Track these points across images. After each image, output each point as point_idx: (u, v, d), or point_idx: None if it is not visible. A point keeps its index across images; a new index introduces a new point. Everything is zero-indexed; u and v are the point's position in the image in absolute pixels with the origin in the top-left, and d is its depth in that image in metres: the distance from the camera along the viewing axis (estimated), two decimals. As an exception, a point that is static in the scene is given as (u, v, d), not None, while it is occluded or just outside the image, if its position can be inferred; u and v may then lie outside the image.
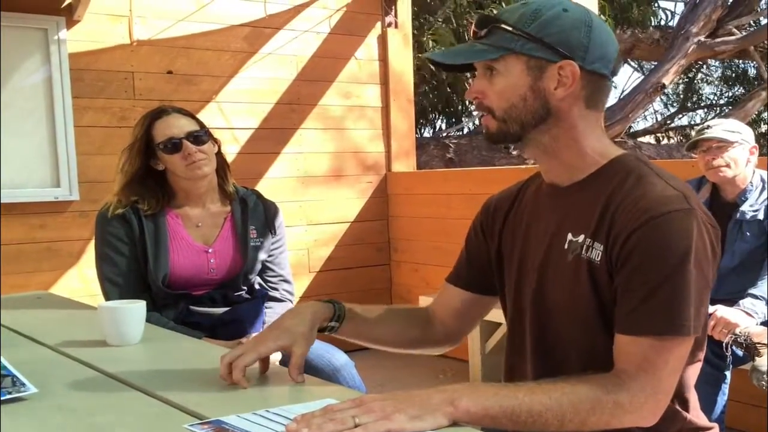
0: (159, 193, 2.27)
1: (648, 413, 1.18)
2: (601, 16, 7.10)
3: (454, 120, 9.88)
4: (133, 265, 2.22)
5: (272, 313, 2.31)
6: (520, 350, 1.40)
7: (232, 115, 4.56)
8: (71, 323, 2.03)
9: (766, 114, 10.72)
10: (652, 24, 9.85)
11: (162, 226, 2.23)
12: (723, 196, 2.86)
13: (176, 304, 2.22)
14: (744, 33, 8.21)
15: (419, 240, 4.92)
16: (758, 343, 2.51)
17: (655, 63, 8.56)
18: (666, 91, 9.30)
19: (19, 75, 3.95)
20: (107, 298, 2.16)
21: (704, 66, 11.40)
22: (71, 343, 1.70)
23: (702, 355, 1.32)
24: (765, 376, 2.47)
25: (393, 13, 5.10)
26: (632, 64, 11.03)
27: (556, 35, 1.25)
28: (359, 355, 2.29)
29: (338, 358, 2.18)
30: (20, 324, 1.93)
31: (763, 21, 8.76)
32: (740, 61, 11.03)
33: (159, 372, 1.49)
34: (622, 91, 10.69)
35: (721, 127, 2.82)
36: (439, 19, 8.11)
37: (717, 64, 11.39)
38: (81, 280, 4.06)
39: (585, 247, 1.26)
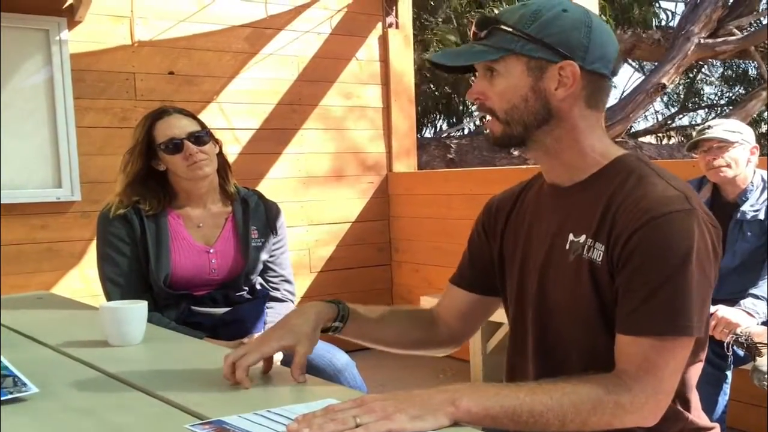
0: (160, 193, 2.27)
1: (649, 413, 1.18)
2: (602, 16, 7.10)
3: (455, 120, 9.89)
4: (135, 265, 2.23)
5: (273, 313, 2.32)
6: (521, 350, 1.40)
7: (233, 116, 4.56)
8: (72, 323, 2.03)
9: (766, 114, 10.71)
10: (654, 24, 9.84)
11: (163, 226, 2.24)
12: (724, 196, 2.86)
13: (177, 305, 2.23)
14: (744, 33, 8.21)
15: (420, 240, 4.92)
16: (759, 343, 2.51)
17: (656, 63, 8.55)
18: (667, 91, 9.29)
19: (20, 76, 3.96)
20: (109, 298, 2.16)
21: (705, 66, 11.39)
22: (72, 343, 1.70)
23: (704, 356, 1.32)
24: (766, 375, 2.47)
25: (394, 13, 5.10)
26: (633, 64, 11.02)
27: (556, 36, 1.25)
28: (360, 355, 2.29)
29: (339, 358, 2.18)
30: (21, 324, 1.93)
31: (764, 21, 8.76)
32: (741, 61, 11.02)
33: (160, 372, 1.49)
34: (623, 92, 10.70)
35: (721, 128, 2.82)
36: (440, 19, 8.11)
37: (718, 64, 11.38)
38: (82, 280, 4.07)
39: (586, 247, 1.26)
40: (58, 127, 4.02)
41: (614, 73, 1.31)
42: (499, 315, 1.55)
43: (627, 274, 1.20)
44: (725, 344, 2.56)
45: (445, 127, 10.05)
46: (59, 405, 1.25)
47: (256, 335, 2.23)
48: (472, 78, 1.34)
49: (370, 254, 5.05)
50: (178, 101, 4.01)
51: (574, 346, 1.30)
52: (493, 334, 4.09)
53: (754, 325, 2.57)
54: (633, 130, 10.15)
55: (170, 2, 4.36)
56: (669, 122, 12.32)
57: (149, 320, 1.76)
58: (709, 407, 2.46)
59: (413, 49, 5.43)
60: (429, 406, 1.09)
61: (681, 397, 1.28)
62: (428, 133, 10.01)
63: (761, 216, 2.77)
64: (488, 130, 1.33)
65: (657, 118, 12.44)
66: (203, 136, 2.25)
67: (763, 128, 11.03)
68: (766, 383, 2.47)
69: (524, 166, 5.56)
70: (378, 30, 5.07)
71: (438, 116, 10.09)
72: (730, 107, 10.61)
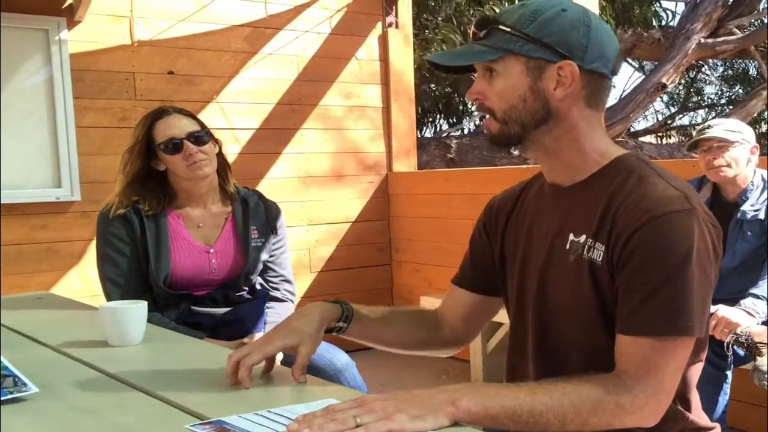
0: (160, 193, 2.27)
1: (649, 414, 1.18)
2: (602, 16, 7.10)
3: (455, 120, 9.89)
4: (135, 265, 2.23)
5: (274, 313, 2.32)
6: (522, 350, 1.40)
7: (233, 116, 4.56)
8: (72, 323, 2.03)
9: (767, 113, 10.71)
10: (654, 24, 9.84)
11: (163, 226, 2.24)
12: (724, 196, 2.86)
13: (177, 305, 2.23)
14: (745, 33, 8.21)
15: (420, 240, 4.92)
16: (759, 343, 2.51)
17: (656, 63, 8.55)
18: (667, 90, 9.29)
19: (20, 76, 3.95)
20: (108, 298, 2.16)
21: (705, 66, 11.39)
22: (72, 343, 1.70)
23: (704, 355, 1.32)
24: (766, 375, 2.47)
25: (393, 13, 5.10)
26: (633, 63, 11.02)
27: (554, 35, 1.25)
28: (361, 355, 2.29)
29: (340, 358, 2.18)
30: (21, 324, 1.93)
31: (764, 20, 8.76)
32: (741, 61, 11.02)
33: (160, 372, 1.49)
34: (623, 91, 10.69)
35: (721, 127, 2.82)
36: (440, 18, 8.11)
37: (718, 63, 11.39)
38: (82, 280, 4.07)
39: (586, 247, 1.26)
40: (58, 127, 4.02)
41: (614, 72, 1.32)
42: (500, 315, 1.55)
43: (627, 274, 1.20)
44: (725, 344, 2.56)
45: (445, 126, 10.06)
46: (59, 405, 1.25)
47: (257, 335, 2.23)
48: (473, 76, 1.34)
49: (370, 254, 5.05)
50: (177, 101, 4.01)
51: (574, 346, 1.30)
52: (494, 334, 4.09)
53: (755, 325, 2.57)
54: (633, 129, 10.15)
55: (170, 2, 4.36)
56: (669, 122, 12.33)
57: (149, 320, 1.76)
58: (709, 407, 2.46)
59: (413, 49, 5.43)
60: (429, 406, 1.09)
61: (681, 397, 1.28)
62: (428, 133, 10.02)
63: (761, 216, 2.77)
64: (486, 129, 1.34)
65: (657, 118, 12.45)
66: (203, 136, 2.25)
67: (764, 128, 11.03)
68: (766, 383, 2.47)
69: (524, 166, 5.56)
70: (378, 29, 5.07)
71: (438, 116, 10.09)
72: (731, 107, 10.62)
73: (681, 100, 12.33)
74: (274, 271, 2.40)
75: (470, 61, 1.32)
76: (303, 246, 4.78)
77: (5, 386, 1.24)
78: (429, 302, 4.23)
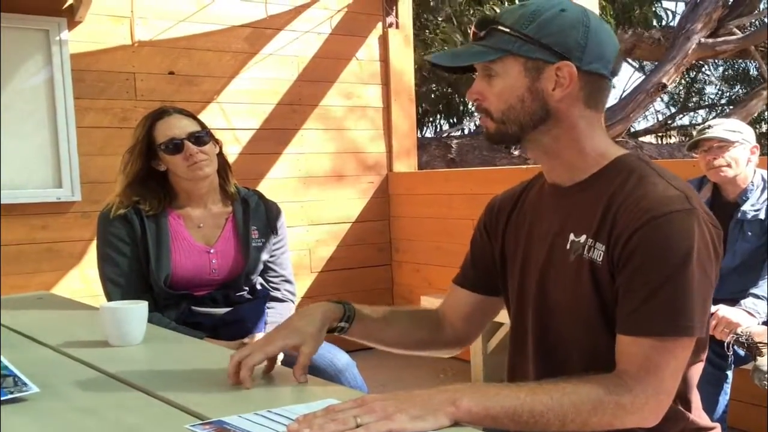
0: (160, 193, 2.27)
1: (650, 414, 1.17)
2: (603, 16, 7.10)
3: (455, 120, 9.89)
4: (135, 265, 2.23)
5: (274, 313, 2.32)
6: (522, 350, 1.40)
7: (234, 116, 4.56)
8: (73, 324, 2.03)
9: (767, 113, 10.71)
10: (655, 24, 9.84)
11: (164, 226, 2.24)
12: (724, 196, 2.86)
13: (178, 305, 2.23)
14: (745, 33, 8.21)
15: (421, 240, 4.92)
16: (760, 343, 2.51)
17: (656, 63, 8.55)
18: (667, 90, 9.29)
19: (20, 76, 3.96)
20: (109, 298, 2.16)
21: (705, 66, 11.39)
22: (73, 343, 1.70)
23: (704, 356, 1.32)
24: (766, 375, 2.47)
25: (394, 13, 5.10)
26: (633, 63, 11.02)
27: (553, 36, 1.25)
28: (361, 355, 2.29)
29: (340, 358, 2.18)
30: (21, 324, 1.93)
31: (765, 20, 8.76)
32: (741, 61, 11.02)
33: (160, 372, 1.49)
34: (623, 91, 10.69)
35: (722, 127, 2.82)
36: (440, 18, 8.11)
37: (718, 63, 11.38)
38: (82, 280, 4.07)
39: (587, 247, 1.26)
40: (59, 128, 4.02)
41: (614, 73, 1.32)
42: (500, 315, 1.55)
43: (627, 274, 1.20)
44: (726, 344, 2.56)
45: (445, 126, 10.06)
46: (60, 405, 1.25)
47: (257, 335, 2.23)
48: (474, 76, 1.34)
49: (370, 254, 5.05)
50: (178, 101, 4.01)
51: (574, 346, 1.30)
52: (494, 334, 4.09)
53: (755, 325, 2.57)
54: (633, 129, 10.15)
55: (170, 2, 4.36)
56: (669, 122, 12.32)
57: (149, 320, 1.76)
58: (709, 407, 2.46)
59: (414, 49, 5.43)
60: (429, 406, 1.09)
61: (682, 397, 1.28)
62: (429, 133, 10.02)
63: (762, 216, 2.77)
64: (483, 126, 1.34)
65: (657, 118, 12.45)
66: (203, 137, 2.25)
67: (764, 127, 11.03)
68: (766, 383, 2.47)
69: (525, 166, 5.56)
70: (378, 30, 5.07)
71: (438, 116, 10.09)
72: (731, 107, 10.61)
73: (681, 100, 12.33)
74: (275, 271, 2.40)
75: (469, 62, 1.32)
76: (303, 246, 4.78)
77: (5, 386, 1.24)
78: (429, 302, 4.23)
